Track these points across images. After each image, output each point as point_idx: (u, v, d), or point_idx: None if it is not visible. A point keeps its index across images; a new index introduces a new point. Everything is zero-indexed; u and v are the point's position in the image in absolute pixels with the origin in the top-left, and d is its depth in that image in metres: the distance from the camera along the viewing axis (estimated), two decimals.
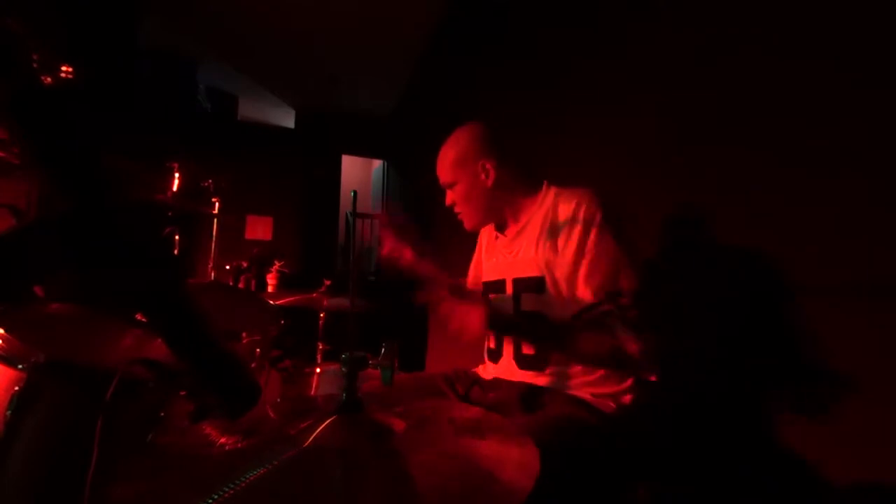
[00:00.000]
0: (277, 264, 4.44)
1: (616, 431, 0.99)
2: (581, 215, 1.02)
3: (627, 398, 1.04)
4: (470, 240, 1.42)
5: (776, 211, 1.07)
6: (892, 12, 0.85)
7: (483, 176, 1.13)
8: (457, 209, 1.19)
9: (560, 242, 1.04)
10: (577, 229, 1.01)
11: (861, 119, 0.91)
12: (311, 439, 0.51)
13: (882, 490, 0.85)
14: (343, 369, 0.57)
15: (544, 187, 1.14)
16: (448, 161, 1.16)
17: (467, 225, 1.20)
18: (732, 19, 1.19)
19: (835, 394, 0.94)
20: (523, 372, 1.07)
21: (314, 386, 1.91)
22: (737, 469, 1.09)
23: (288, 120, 6.12)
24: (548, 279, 1.04)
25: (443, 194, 1.21)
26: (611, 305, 0.95)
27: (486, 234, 1.32)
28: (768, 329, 1.08)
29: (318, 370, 1.98)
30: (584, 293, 0.98)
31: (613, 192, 1.07)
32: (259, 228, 5.16)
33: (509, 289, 1.12)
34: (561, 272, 1.02)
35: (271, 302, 1.87)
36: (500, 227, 1.22)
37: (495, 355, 1.15)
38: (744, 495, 1.07)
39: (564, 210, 1.05)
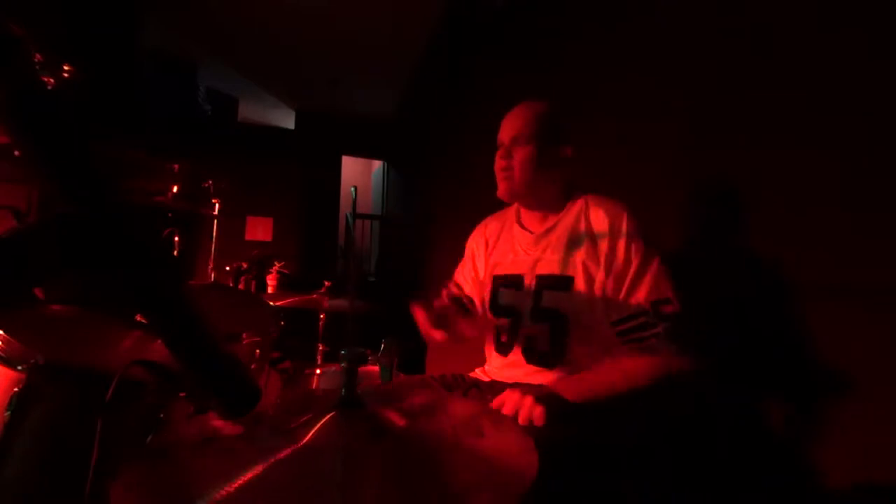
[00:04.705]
0: (277, 265, 4.43)
1: (617, 431, 0.99)
2: (623, 227, 1.01)
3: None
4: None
5: (776, 211, 1.07)
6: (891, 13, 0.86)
7: (560, 154, 1.10)
8: (507, 171, 1.10)
9: (602, 252, 1.02)
10: (622, 241, 1.01)
11: (862, 119, 0.91)
12: (309, 435, 0.51)
13: (882, 490, 0.84)
14: (342, 364, 0.56)
15: (574, 191, 1.14)
16: (533, 118, 1.09)
17: (508, 189, 1.12)
18: (733, 18, 1.20)
19: (836, 394, 0.94)
20: (529, 367, 1.08)
21: (314, 387, 1.91)
22: (737, 469, 1.09)
23: (288, 121, 6.13)
24: (578, 280, 1.03)
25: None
26: (647, 318, 0.95)
27: (484, 233, 1.29)
28: (769, 329, 1.08)
29: (318, 371, 1.98)
30: (631, 302, 0.98)
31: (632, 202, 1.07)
32: (259, 229, 5.16)
33: (530, 285, 1.11)
34: (602, 282, 1.01)
35: (271, 303, 1.87)
36: (520, 219, 1.20)
37: (506, 349, 1.15)
38: (744, 495, 1.07)
39: (601, 219, 1.05)
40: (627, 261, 0.99)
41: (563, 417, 0.84)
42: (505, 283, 1.17)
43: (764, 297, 1.09)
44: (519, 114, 1.12)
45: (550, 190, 1.13)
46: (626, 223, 1.02)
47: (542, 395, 0.85)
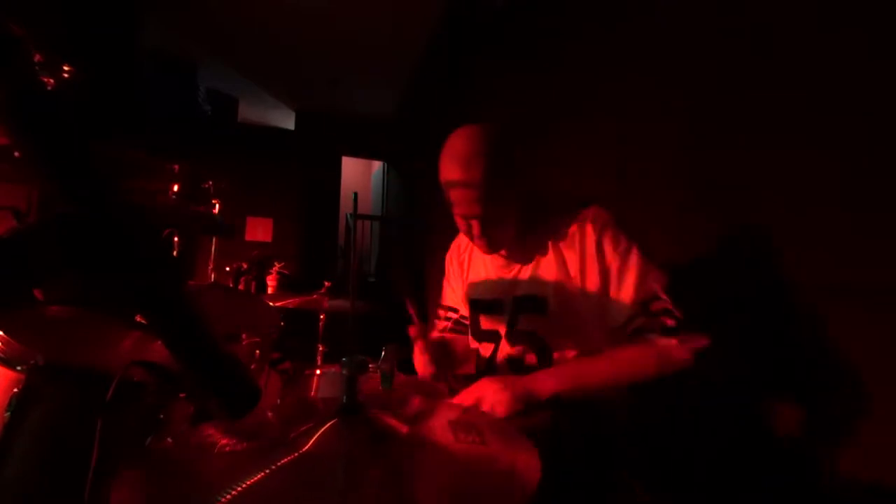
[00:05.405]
0: (277, 266, 4.43)
1: (617, 432, 0.99)
2: (590, 236, 0.97)
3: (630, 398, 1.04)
4: None
5: (776, 211, 1.07)
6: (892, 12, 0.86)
7: (521, 186, 1.00)
8: (481, 232, 0.99)
9: (570, 261, 0.99)
10: (591, 251, 0.97)
11: (862, 119, 0.91)
12: (310, 443, 0.51)
13: (882, 490, 0.84)
14: (344, 372, 0.56)
15: (544, 199, 1.08)
16: (486, 163, 0.92)
17: (487, 248, 1.04)
18: (733, 18, 1.19)
19: (836, 394, 0.94)
20: None
21: (314, 388, 1.90)
22: (737, 469, 1.09)
23: (288, 121, 6.13)
24: (551, 301, 1.01)
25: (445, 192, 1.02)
26: (645, 318, 0.91)
27: (459, 254, 1.25)
28: (769, 329, 1.08)
29: (318, 372, 1.97)
30: (620, 306, 0.94)
31: (614, 203, 1.05)
32: (259, 230, 5.16)
33: (507, 308, 1.09)
34: (576, 292, 0.98)
35: (271, 304, 1.87)
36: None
37: (489, 373, 1.14)
38: (744, 495, 1.07)
39: (571, 227, 1.00)
40: (603, 269, 0.96)
41: (531, 409, 0.85)
42: (484, 309, 1.15)
43: (764, 298, 1.09)
44: (466, 158, 0.93)
45: (517, 216, 1.02)
46: (593, 231, 0.97)
47: (518, 393, 0.86)
